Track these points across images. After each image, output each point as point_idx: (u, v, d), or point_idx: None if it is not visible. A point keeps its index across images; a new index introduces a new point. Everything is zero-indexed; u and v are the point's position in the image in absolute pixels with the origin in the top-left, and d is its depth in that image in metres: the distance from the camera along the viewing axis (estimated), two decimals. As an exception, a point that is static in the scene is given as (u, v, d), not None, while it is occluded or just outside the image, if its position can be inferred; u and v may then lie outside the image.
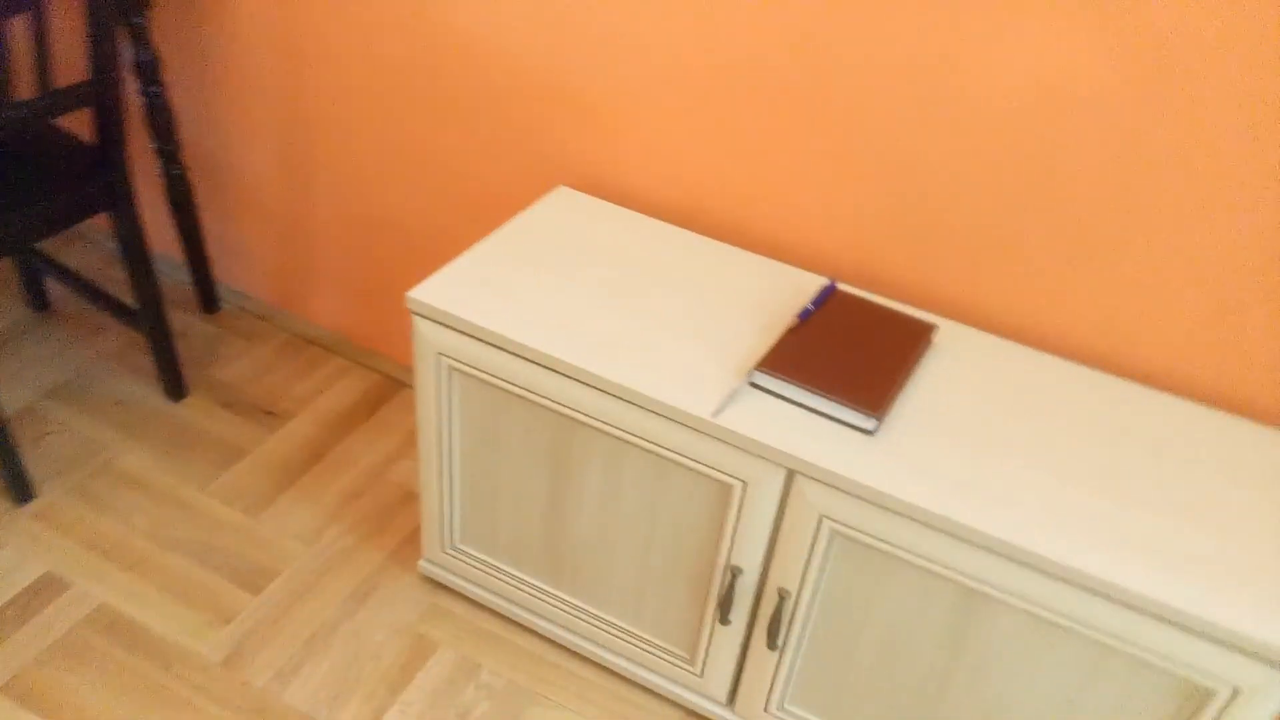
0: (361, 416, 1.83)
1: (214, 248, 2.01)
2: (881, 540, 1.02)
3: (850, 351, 1.13)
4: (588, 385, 1.13)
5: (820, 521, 1.05)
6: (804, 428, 1.06)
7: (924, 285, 1.29)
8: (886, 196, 1.25)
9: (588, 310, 1.20)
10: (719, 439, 1.07)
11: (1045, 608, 0.97)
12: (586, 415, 1.15)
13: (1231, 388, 1.15)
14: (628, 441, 1.15)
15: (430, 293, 1.21)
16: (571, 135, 1.44)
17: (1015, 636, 1.01)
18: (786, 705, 1.24)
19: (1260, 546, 0.97)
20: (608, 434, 1.16)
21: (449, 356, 1.22)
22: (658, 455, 1.14)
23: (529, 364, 1.16)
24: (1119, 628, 0.94)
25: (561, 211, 1.38)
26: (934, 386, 1.14)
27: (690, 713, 1.36)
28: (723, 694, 1.29)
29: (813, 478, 1.03)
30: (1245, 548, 0.97)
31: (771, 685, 1.23)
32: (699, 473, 1.12)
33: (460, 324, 1.18)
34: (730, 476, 1.09)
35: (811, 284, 1.28)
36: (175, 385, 1.82)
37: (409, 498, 1.67)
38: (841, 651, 1.15)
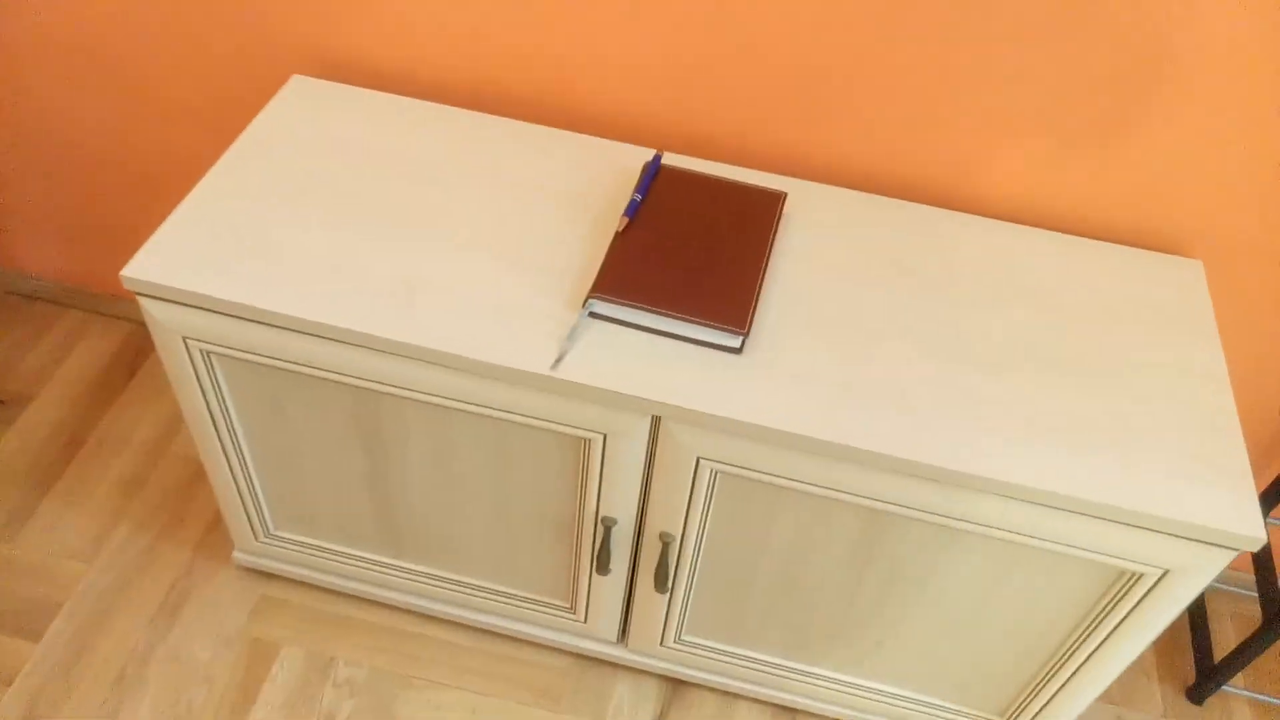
0: (120, 380, 1.51)
1: None
2: (769, 473, 0.88)
3: (695, 246, 0.94)
4: (388, 354, 0.90)
5: (698, 462, 0.90)
6: (661, 359, 0.88)
7: (759, 142, 1.09)
8: (703, 40, 1.03)
9: (367, 247, 0.95)
10: (566, 395, 0.88)
11: (954, 518, 0.87)
12: (394, 387, 0.93)
13: (1098, 212, 1.05)
14: (453, 409, 0.94)
15: (153, 264, 0.92)
16: (296, 4, 1.12)
17: (924, 547, 0.92)
18: (684, 636, 1.14)
19: (1171, 406, 0.89)
20: (426, 404, 0.94)
21: (199, 340, 0.95)
22: (494, 419, 0.94)
23: (306, 337, 0.91)
24: (1036, 527, 0.85)
25: (302, 110, 1.08)
26: (795, 268, 0.97)
27: (580, 656, 1.25)
28: (612, 634, 1.18)
29: (682, 421, 0.87)
30: (1157, 411, 0.89)
31: (665, 621, 1.11)
32: (548, 431, 0.93)
33: (203, 300, 0.91)
34: (587, 430, 0.90)
35: (631, 160, 1.07)
36: None
37: (205, 473, 1.40)
38: (738, 581, 1.03)
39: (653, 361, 0.88)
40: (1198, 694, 1.24)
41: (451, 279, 0.93)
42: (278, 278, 0.91)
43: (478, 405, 0.92)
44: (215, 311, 0.92)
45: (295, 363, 0.94)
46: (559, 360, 0.87)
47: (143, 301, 0.93)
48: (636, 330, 0.90)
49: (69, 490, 1.37)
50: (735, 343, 0.88)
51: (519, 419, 0.92)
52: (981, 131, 1.02)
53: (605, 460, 0.93)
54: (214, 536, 1.33)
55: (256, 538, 1.21)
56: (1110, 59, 0.93)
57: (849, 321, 0.93)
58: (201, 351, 0.96)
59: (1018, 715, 1.08)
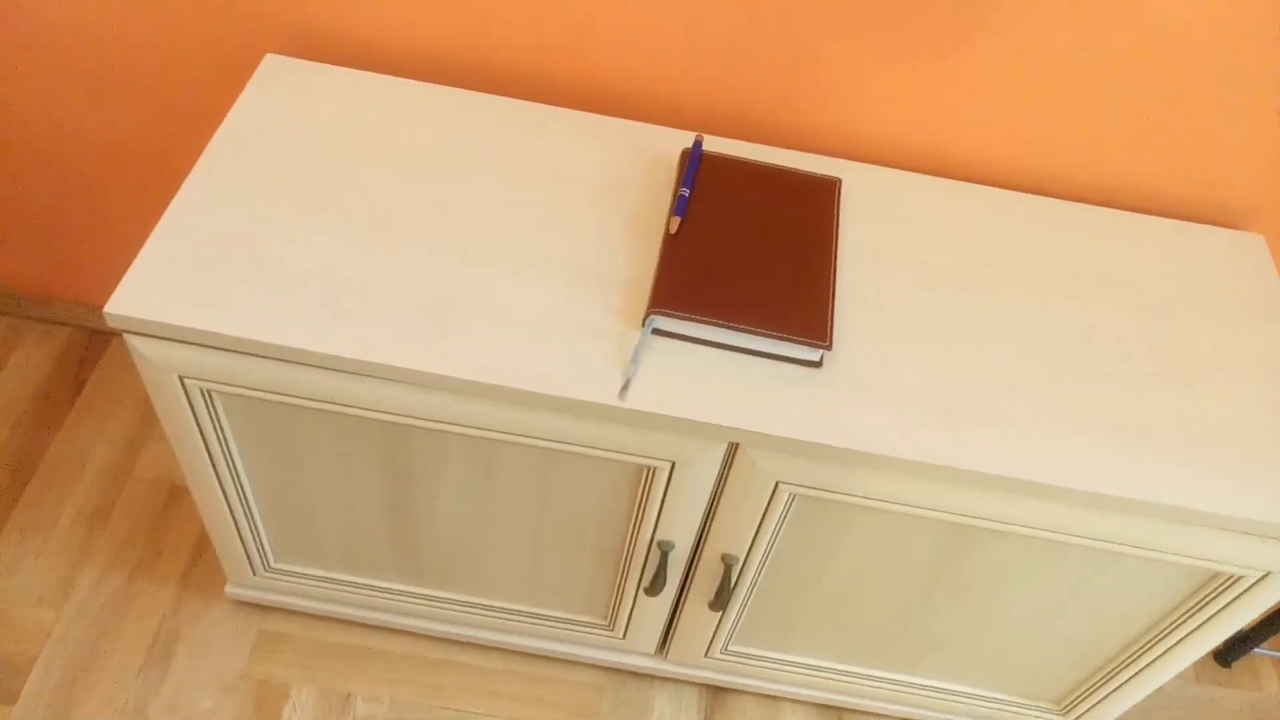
0: (65, 395, 1.36)
1: None
2: (852, 495, 0.82)
3: (754, 246, 0.86)
4: (424, 388, 0.80)
5: (776, 487, 0.83)
6: (735, 378, 0.80)
7: (797, 119, 1.01)
8: (727, 7, 0.93)
9: (382, 261, 0.84)
10: (633, 424, 0.80)
11: (1043, 529, 0.82)
12: (430, 421, 0.83)
13: (1169, 188, 1.00)
14: (497, 441, 0.85)
15: (140, 296, 0.79)
16: (265, -21, 0.98)
17: (1008, 558, 0.88)
18: (731, 647, 1.09)
19: (1261, 400, 0.86)
20: (466, 436, 0.85)
21: (199, 379, 0.83)
22: (543, 449, 0.85)
23: (327, 372, 0.80)
24: (1133, 536, 0.81)
25: (283, 97, 0.95)
26: (860, 265, 0.90)
27: (615, 670, 1.18)
28: (651, 647, 1.12)
29: (763, 447, 0.80)
30: (1247, 407, 0.85)
31: (714, 635, 1.06)
32: (606, 460, 0.85)
33: (203, 336, 0.79)
34: (653, 459, 0.83)
35: (656, 143, 0.97)
36: None
37: (178, 495, 1.28)
38: (798, 595, 0.98)
39: (726, 382, 0.80)
40: (1226, 657, 1.25)
41: (483, 294, 0.83)
42: (287, 305, 0.80)
43: (528, 437, 0.83)
44: (218, 348, 0.80)
45: (314, 399, 0.83)
46: (625, 388, 0.78)
47: (130, 339, 0.81)
48: (704, 346, 0.82)
49: (23, 528, 1.23)
50: (816, 357, 0.81)
51: (574, 449, 0.83)
52: (1029, 102, 0.96)
53: (670, 487, 0.85)
54: (199, 569, 1.21)
55: (255, 573, 1.10)
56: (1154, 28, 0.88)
57: (929, 327, 0.86)
58: (202, 390, 0.84)
59: (1076, 705, 1.07)
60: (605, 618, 1.08)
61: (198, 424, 0.88)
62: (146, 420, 1.34)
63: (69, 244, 1.32)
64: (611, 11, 0.94)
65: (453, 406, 0.81)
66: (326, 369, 0.80)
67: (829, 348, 0.80)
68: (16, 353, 1.40)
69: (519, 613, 1.09)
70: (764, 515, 0.86)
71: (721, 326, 0.81)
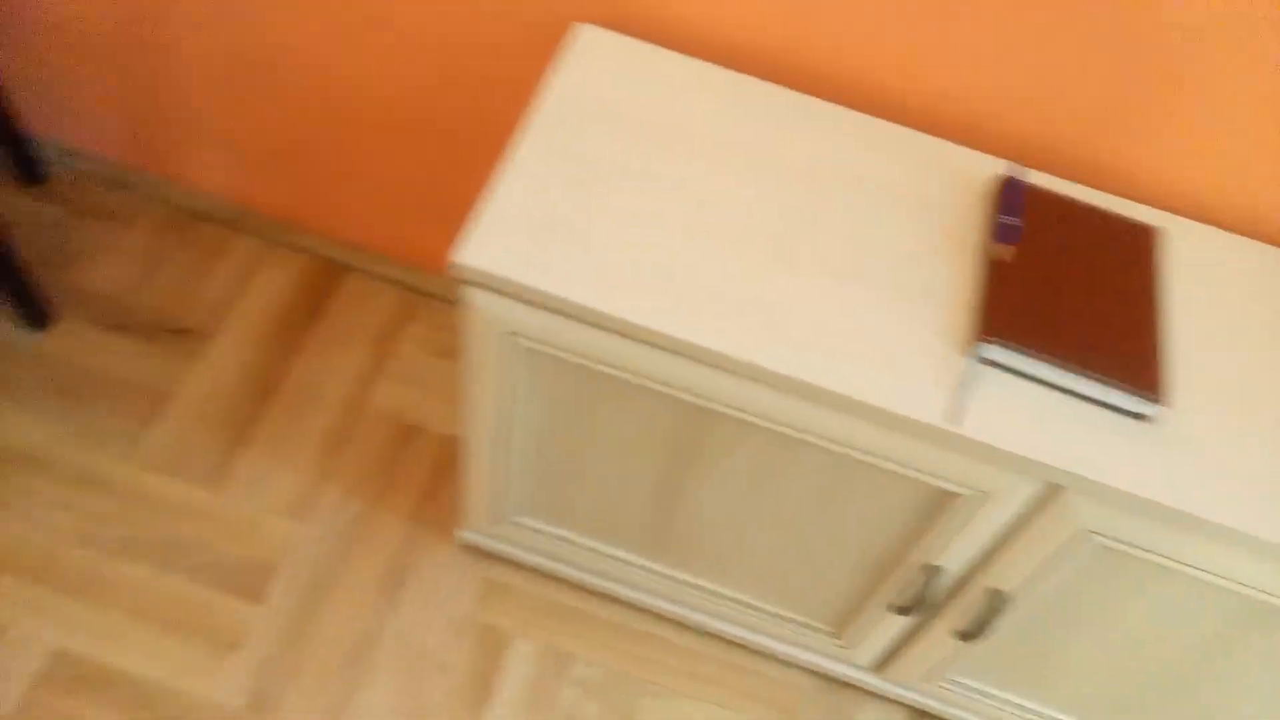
0: (304, 320, 1.42)
1: (21, 91, 1.43)
2: (1161, 555, 0.81)
3: (1079, 287, 0.85)
4: (742, 378, 0.81)
5: (1086, 536, 0.82)
6: (1062, 420, 0.79)
7: (1101, 160, 0.98)
8: (1054, 42, 0.90)
9: (702, 247, 0.85)
10: (954, 450, 0.79)
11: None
12: (736, 409, 0.84)
13: None
14: (797, 440, 0.85)
15: (487, 252, 0.82)
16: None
17: (1309, 639, 0.85)
18: (953, 676, 1.08)
19: None
20: (768, 430, 0.86)
21: (525, 336, 0.86)
22: (842, 456, 0.85)
23: (652, 350, 0.82)
24: None
25: (601, 72, 0.96)
26: (1186, 322, 0.88)
27: (824, 677, 1.19)
28: (870, 661, 1.12)
29: (1087, 494, 0.78)
30: None
31: (945, 662, 1.05)
32: (908, 479, 0.85)
33: (542, 298, 0.81)
34: (964, 487, 0.82)
35: (971, 165, 0.95)
36: (34, 306, 1.33)
37: (409, 434, 1.32)
38: (1054, 643, 0.97)
39: (1052, 421, 0.79)
40: None
41: (800, 293, 0.83)
42: (617, 279, 0.82)
43: (831, 441, 0.83)
44: (551, 310, 0.83)
45: (629, 371, 0.85)
46: (955, 414, 0.78)
47: (470, 291, 0.84)
48: (1027, 381, 0.81)
49: (269, 440, 1.29)
50: (1147, 410, 0.80)
51: (875, 462, 0.84)
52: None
53: (969, 517, 0.85)
54: (429, 509, 1.26)
55: (495, 522, 1.14)
56: None
57: (1247, 389, 0.84)
58: (525, 349, 0.87)
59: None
60: (835, 625, 1.09)
61: (503, 376, 0.91)
62: (377, 357, 1.39)
63: (331, 179, 1.37)
64: (938, 30, 0.93)
65: (766, 399, 0.82)
66: (650, 345, 0.82)
67: (1162, 403, 0.79)
68: (261, 275, 1.47)
69: (748, 605, 1.11)
70: (1058, 560, 0.85)
71: (1055, 365, 0.80)
